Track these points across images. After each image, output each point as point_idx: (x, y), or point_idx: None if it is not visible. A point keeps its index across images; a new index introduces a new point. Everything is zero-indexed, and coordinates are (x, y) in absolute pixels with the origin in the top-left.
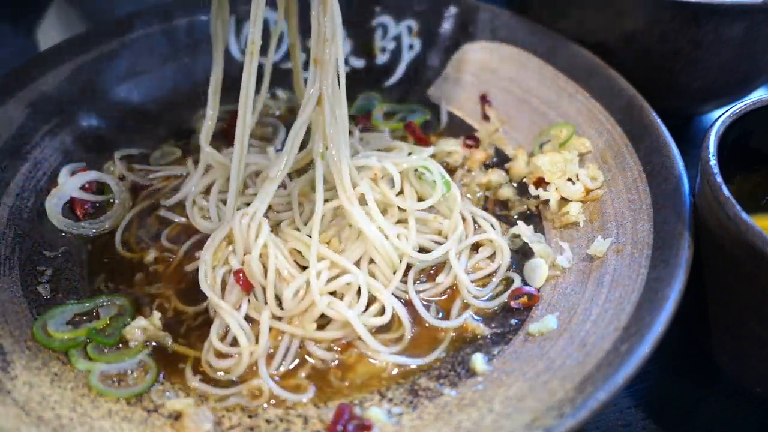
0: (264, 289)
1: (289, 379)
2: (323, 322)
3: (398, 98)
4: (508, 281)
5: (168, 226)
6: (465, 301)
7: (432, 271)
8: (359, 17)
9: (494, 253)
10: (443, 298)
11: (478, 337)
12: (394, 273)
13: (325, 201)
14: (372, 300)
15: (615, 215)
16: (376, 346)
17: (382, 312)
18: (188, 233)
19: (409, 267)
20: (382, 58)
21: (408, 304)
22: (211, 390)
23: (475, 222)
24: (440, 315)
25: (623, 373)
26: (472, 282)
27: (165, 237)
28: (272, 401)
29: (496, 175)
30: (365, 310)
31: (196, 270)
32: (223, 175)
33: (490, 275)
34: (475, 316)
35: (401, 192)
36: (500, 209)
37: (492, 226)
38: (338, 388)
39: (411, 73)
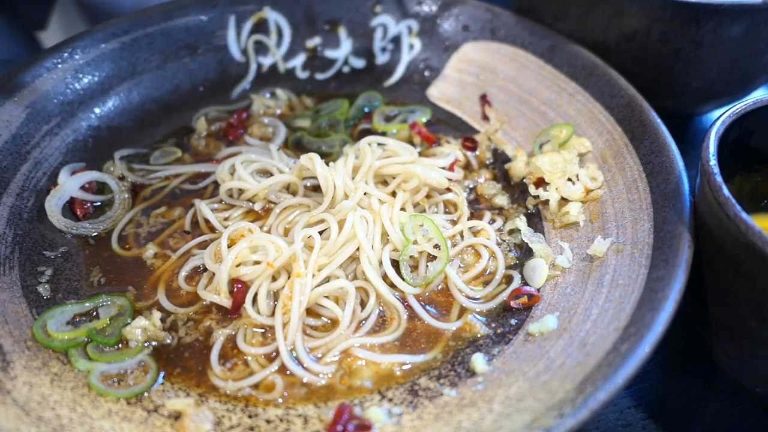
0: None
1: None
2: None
3: (398, 98)
4: (508, 280)
5: (167, 227)
6: (458, 301)
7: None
8: (359, 17)
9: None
10: (442, 298)
11: (478, 337)
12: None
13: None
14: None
15: (615, 215)
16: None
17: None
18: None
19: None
20: (382, 58)
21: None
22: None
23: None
24: (440, 315)
25: (623, 373)
26: (467, 282)
27: (164, 236)
28: (280, 399)
29: (488, 188)
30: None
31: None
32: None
33: (480, 275)
34: (477, 316)
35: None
36: (497, 213)
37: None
38: (338, 388)
39: (411, 73)
